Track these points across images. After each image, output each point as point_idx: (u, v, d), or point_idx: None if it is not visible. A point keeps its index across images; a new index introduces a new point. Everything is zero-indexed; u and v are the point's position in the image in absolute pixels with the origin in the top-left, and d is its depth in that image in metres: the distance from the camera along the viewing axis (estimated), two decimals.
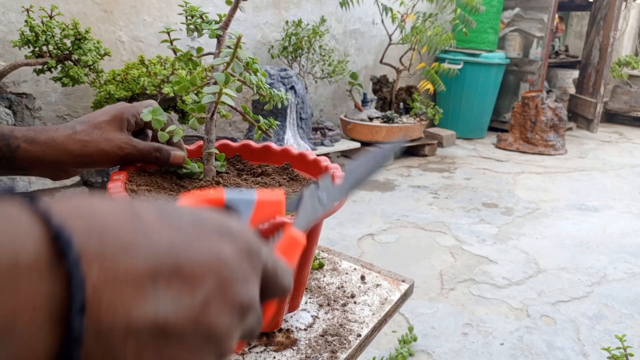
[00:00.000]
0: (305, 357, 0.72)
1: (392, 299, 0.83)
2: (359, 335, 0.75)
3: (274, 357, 0.72)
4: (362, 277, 0.88)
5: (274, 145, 0.88)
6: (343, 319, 0.78)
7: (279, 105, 0.83)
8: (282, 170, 0.83)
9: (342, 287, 0.87)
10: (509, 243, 2.53)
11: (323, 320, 0.79)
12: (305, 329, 0.77)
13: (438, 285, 2.08)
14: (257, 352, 0.74)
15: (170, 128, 0.76)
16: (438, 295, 2.00)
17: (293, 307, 0.79)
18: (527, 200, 3.17)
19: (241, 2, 0.74)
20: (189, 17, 0.75)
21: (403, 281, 0.87)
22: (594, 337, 1.76)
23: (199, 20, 0.76)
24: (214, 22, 0.76)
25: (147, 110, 0.75)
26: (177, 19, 3.23)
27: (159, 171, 0.84)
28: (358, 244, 2.44)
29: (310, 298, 0.84)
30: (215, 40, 0.79)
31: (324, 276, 0.91)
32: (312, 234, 0.73)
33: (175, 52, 0.74)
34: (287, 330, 0.77)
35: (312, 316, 0.79)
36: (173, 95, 2.48)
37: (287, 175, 0.82)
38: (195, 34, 0.74)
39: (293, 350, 0.73)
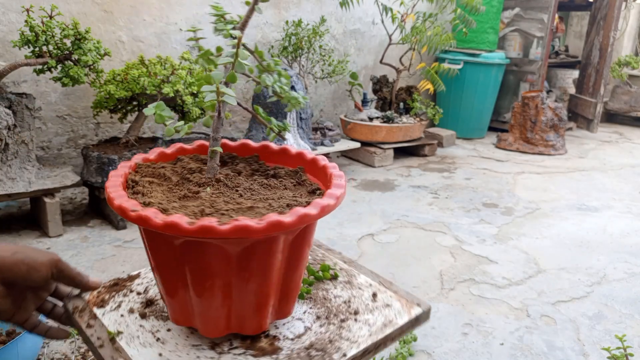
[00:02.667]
0: None
1: (397, 322, 0.78)
2: (344, 355, 0.71)
3: None
4: (374, 295, 0.84)
5: (290, 149, 0.87)
6: (336, 335, 0.75)
7: (298, 108, 0.82)
8: (293, 174, 0.83)
9: (349, 302, 0.83)
10: (509, 243, 2.53)
11: (315, 332, 0.75)
12: (292, 339, 0.74)
13: (438, 285, 2.08)
14: (235, 354, 0.72)
15: (177, 125, 0.78)
16: (438, 295, 2.00)
17: (283, 313, 0.76)
18: (527, 200, 3.17)
19: (259, 3, 0.74)
20: (217, 17, 0.75)
21: (418, 305, 0.82)
22: (594, 337, 1.76)
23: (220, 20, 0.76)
24: (234, 23, 0.76)
25: (152, 105, 0.76)
26: (177, 18, 3.23)
27: (170, 162, 0.85)
28: (358, 244, 2.44)
29: (310, 308, 0.81)
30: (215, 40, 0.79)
31: (335, 288, 0.87)
32: (301, 238, 0.73)
33: (199, 50, 0.74)
34: (274, 337, 0.75)
35: (305, 327, 0.77)
36: (173, 95, 2.48)
37: (296, 179, 0.81)
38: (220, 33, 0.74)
39: (272, 358, 0.70)
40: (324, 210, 0.66)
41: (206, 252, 0.65)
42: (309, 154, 0.85)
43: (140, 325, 0.79)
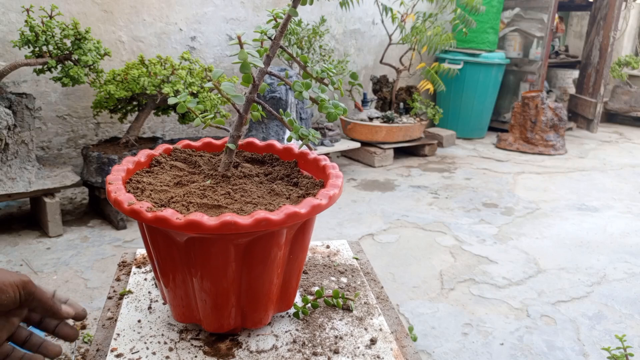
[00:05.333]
0: None
1: None
2: None
3: (204, 359, 0.71)
4: (373, 341, 0.77)
5: (310, 153, 0.87)
6: None
7: (333, 119, 0.81)
8: (313, 186, 0.81)
9: (340, 338, 0.77)
10: (509, 243, 2.53)
11: (277, 355, 0.73)
12: (252, 352, 0.73)
13: (438, 285, 2.08)
14: (191, 344, 0.75)
15: (207, 117, 0.80)
16: (438, 295, 2.00)
17: (253, 321, 0.75)
18: (527, 200, 3.17)
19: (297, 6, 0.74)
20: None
21: None
22: (594, 337, 1.76)
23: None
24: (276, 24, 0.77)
25: (180, 97, 0.78)
26: (177, 18, 3.23)
27: (178, 158, 0.88)
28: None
29: (296, 330, 0.78)
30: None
31: (340, 320, 0.81)
32: (297, 238, 0.72)
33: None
34: (238, 343, 0.75)
35: (273, 345, 0.75)
36: (173, 95, 2.48)
37: (310, 192, 0.81)
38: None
39: None
40: (314, 210, 0.66)
41: (166, 241, 0.69)
42: (324, 160, 0.84)
43: (149, 292, 0.88)
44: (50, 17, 2.30)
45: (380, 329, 0.80)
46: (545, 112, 4.41)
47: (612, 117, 6.11)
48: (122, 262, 0.99)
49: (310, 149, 0.86)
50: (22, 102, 2.32)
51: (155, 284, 0.88)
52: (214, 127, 0.80)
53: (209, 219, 0.61)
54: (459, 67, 4.60)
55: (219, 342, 0.75)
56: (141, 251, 1.02)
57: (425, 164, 3.93)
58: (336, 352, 0.73)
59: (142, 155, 0.83)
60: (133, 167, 0.80)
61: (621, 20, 5.86)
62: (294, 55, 0.78)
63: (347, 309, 0.84)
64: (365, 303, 0.87)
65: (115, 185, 0.70)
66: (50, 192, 2.36)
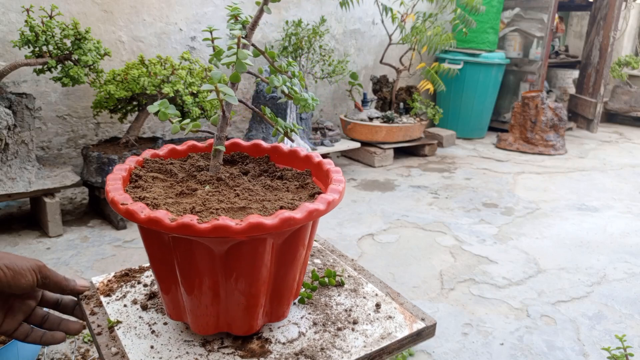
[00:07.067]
0: None
1: (396, 335, 0.76)
2: None
3: None
4: (377, 305, 0.83)
5: (300, 151, 0.88)
6: (329, 343, 0.74)
7: (308, 110, 0.82)
8: (299, 176, 0.83)
9: (350, 310, 0.82)
10: (509, 243, 2.53)
11: (308, 339, 0.74)
12: (284, 343, 0.74)
13: (438, 285, 2.08)
14: (224, 353, 0.72)
15: (183, 123, 0.79)
16: (438, 295, 2.00)
17: (277, 316, 0.76)
18: (527, 200, 3.17)
19: (269, 3, 0.74)
20: (229, 17, 0.76)
21: (422, 319, 0.80)
22: (594, 337, 1.76)
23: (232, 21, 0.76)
24: (245, 22, 0.77)
25: (156, 103, 0.77)
26: (177, 18, 3.23)
27: (180, 159, 0.87)
28: (358, 244, 2.44)
29: (309, 313, 0.81)
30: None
31: (339, 295, 0.86)
32: (294, 239, 0.72)
33: (214, 50, 0.75)
34: (266, 339, 0.75)
35: (299, 332, 0.76)
36: (173, 95, 2.48)
37: (300, 182, 0.81)
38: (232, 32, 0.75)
39: None
40: (311, 215, 0.65)
41: (192, 250, 0.66)
42: (316, 157, 0.85)
43: (140, 317, 0.81)
44: (50, 17, 2.30)
45: (376, 294, 0.86)
46: (545, 112, 4.41)
47: (612, 117, 6.11)
48: (83, 296, 0.87)
49: (291, 139, 0.86)
50: (22, 102, 2.32)
51: (144, 306, 0.83)
52: (193, 132, 0.80)
53: (234, 223, 0.60)
54: (459, 67, 4.60)
55: (248, 344, 0.74)
56: (98, 279, 0.91)
57: (425, 164, 3.93)
58: (355, 322, 0.78)
59: (122, 169, 0.77)
60: (126, 174, 0.77)
61: (621, 20, 5.87)
62: (264, 51, 0.78)
63: (340, 285, 0.89)
64: (349, 276, 0.92)
65: (114, 184, 0.70)
66: (50, 192, 2.36)
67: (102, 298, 0.85)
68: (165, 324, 0.79)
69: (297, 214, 0.64)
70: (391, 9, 3.71)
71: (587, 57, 5.49)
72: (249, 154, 0.90)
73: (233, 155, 0.89)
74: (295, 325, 0.78)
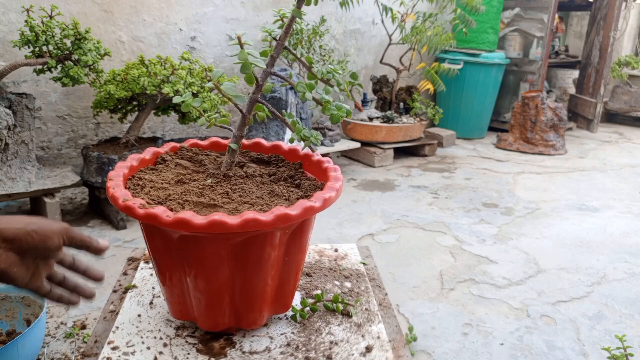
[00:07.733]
0: None
1: None
2: None
3: (196, 357, 0.72)
4: (368, 349, 0.75)
5: (314, 155, 0.88)
6: None
7: (335, 122, 0.81)
8: (309, 181, 0.82)
9: (336, 344, 0.75)
10: (509, 243, 2.53)
11: (269, 357, 0.72)
12: (244, 352, 0.73)
13: (438, 285, 2.08)
14: (186, 341, 0.75)
15: (211, 116, 0.81)
16: (438, 295, 2.00)
17: (247, 322, 0.74)
18: (527, 200, 3.17)
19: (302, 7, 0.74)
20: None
21: None
22: (594, 337, 1.76)
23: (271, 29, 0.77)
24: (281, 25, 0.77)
25: (185, 96, 0.79)
26: (177, 18, 3.23)
27: (184, 156, 0.88)
28: (358, 244, 2.44)
29: (292, 332, 0.78)
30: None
31: (339, 325, 0.80)
32: (294, 240, 0.72)
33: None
34: (232, 343, 0.75)
35: (266, 347, 0.74)
36: (173, 95, 2.48)
37: (298, 181, 0.81)
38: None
39: None
40: (307, 212, 0.65)
41: (157, 238, 0.71)
42: (327, 162, 0.84)
43: (152, 287, 0.89)
44: (50, 17, 2.30)
45: (378, 337, 0.78)
46: (545, 112, 4.41)
47: (612, 117, 6.11)
48: (131, 257, 1.01)
49: (312, 150, 0.86)
50: (22, 102, 2.32)
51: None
52: (218, 127, 0.81)
53: (197, 218, 0.61)
54: (459, 67, 4.60)
55: (213, 341, 0.75)
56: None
57: (425, 164, 3.93)
58: (329, 357, 0.72)
59: (148, 152, 0.84)
60: (137, 164, 0.81)
61: (621, 20, 5.86)
62: (299, 56, 0.78)
63: (347, 315, 0.83)
64: (366, 309, 0.85)
65: (115, 181, 0.71)
66: (50, 192, 2.36)
67: (141, 263, 0.97)
68: (165, 300, 0.84)
69: (293, 210, 0.65)
70: (391, 9, 3.71)
71: (587, 57, 5.49)
72: (285, 158, 0.91)
73: (270, 156, 0.91)
74: (268, 339, 0.76)
